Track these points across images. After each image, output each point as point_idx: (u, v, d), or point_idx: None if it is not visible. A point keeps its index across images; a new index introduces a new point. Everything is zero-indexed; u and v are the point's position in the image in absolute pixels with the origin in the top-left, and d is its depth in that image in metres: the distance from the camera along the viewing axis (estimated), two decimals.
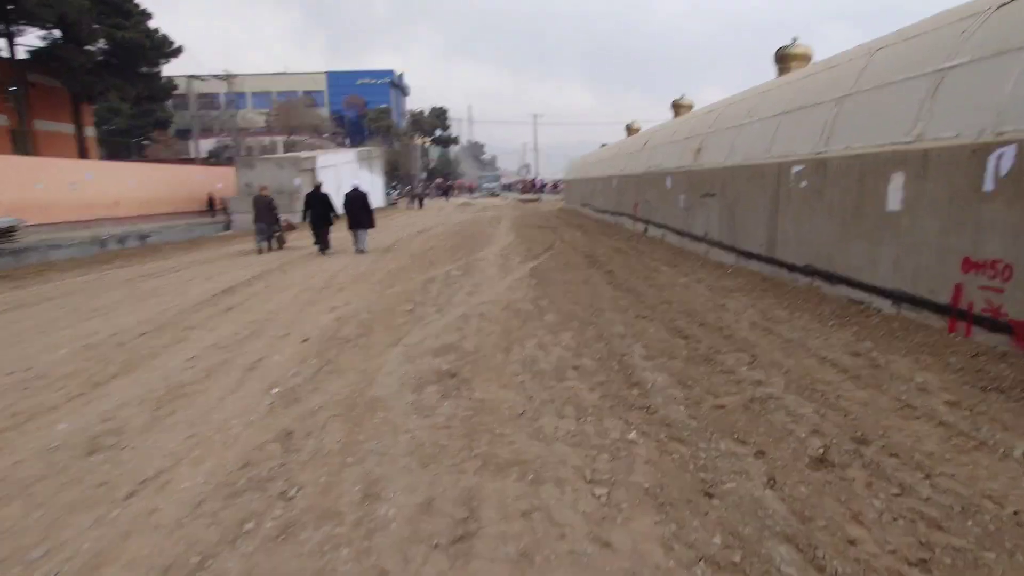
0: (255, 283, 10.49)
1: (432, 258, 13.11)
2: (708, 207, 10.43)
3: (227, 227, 28.85)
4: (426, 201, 45.59)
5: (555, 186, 67.21)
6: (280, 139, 51.64)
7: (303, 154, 33.57)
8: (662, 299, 7.76)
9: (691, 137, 12.25)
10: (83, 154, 36.24)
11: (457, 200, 50.62)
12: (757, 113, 9.01)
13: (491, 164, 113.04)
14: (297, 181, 30.45)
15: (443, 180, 70.84)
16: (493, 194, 61.05)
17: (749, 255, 8.76)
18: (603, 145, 30.93)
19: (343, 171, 33.72)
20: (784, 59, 11.01)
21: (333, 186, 31.91)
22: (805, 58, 10.85)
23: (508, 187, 68.89)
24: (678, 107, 18.31)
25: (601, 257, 12.11)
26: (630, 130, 25.72)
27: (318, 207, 13.91)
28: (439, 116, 75.92)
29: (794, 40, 11.25)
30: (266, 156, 39.16)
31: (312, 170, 31.32)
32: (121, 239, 19.29)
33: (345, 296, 8.84)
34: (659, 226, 13.95)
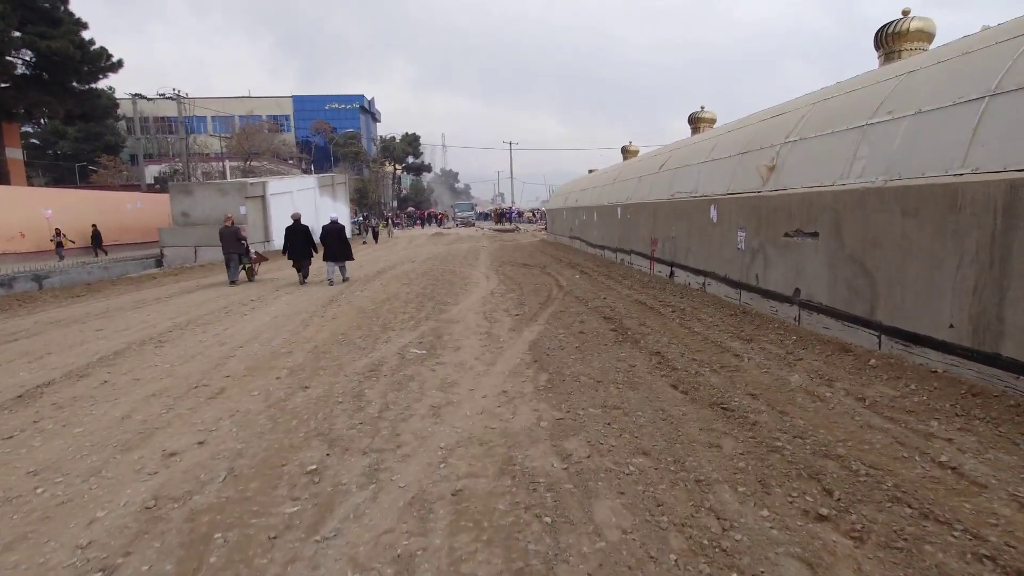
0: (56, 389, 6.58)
1: (387, 317, 9.32)
2: (798, 252, 6.92)
3: (159, 263, 24.62)
4: (395, 232, 41.83)
5: (534, 215, 64.27)
6: (236, 164, 47.46)
7: (251, 180, 29.57)
8: (792, 431, 4.14)
9: (748, 152, 8.83)
10: (3, 179, 31.67)
11: (429, 230, 46.80)
12: (909, 100, 5.54)
13: (465, 193, 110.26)
14: (243, 209, 26.39)
15: (416, 208, 67.26)
16: (467, 223, 57.54)
17: (913, 339, 5.19)
18: (591, 171, 27.76)
19: (301, 199, 29.79)
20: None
21: (290, 214, 28.07)
22: None
23: (485, 216, 65.59)
24: (698, 121, 15.10)
25: (628, 320, 8.47)
26: (627, 152, 22.56)
27: (298, 239, 13.35)
28: (411, 143, 72.81)
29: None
30: (207, 181, 35.06)
31: (262, 197, 27.34)
32: (7, 282, 14.94)
33: (210, 415, 4.98)
34: (696, 272, 10.42)
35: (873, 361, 5.49)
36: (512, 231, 43.26)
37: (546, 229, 43.40)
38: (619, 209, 15.79)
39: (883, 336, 5.56)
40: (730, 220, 8.87)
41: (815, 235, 6.61)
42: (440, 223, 59.59)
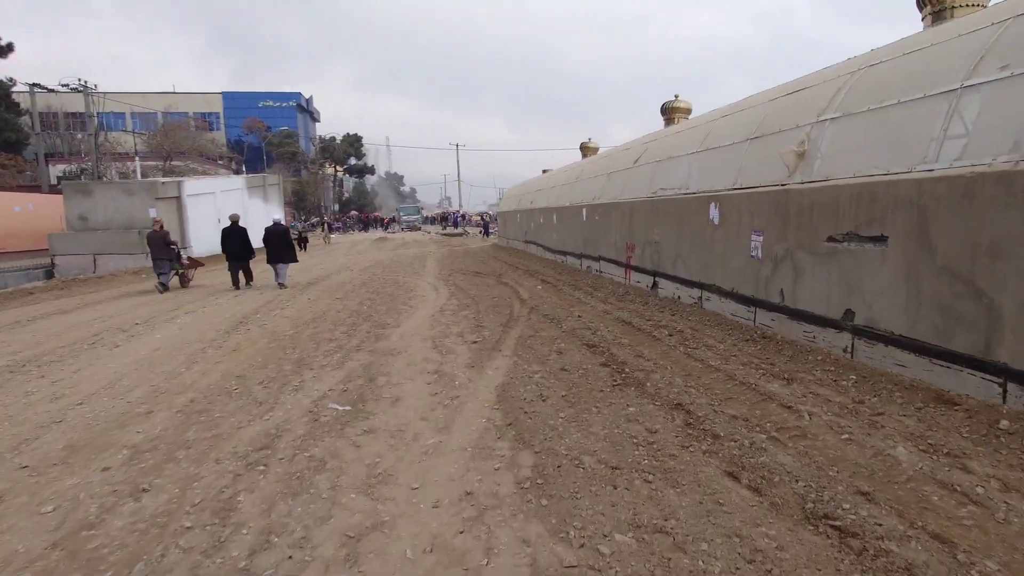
0: None
1: (307, 347, 7.11)
2: (852, 261, 5.23)
3: (49, 274, 21.10)
4: (334, 237, 38.94)
5: (483, 219, 62.26)
6: (154, 164, 43.15)
7: (164, 179, 26.21)
8: None
9: (761, 136, 7.15)
10: None
11: (373, 235, 43.86)
12: None
13: (411, 196, 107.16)
14: (153, 212, 23.09)
15: (359, 212, 63.99)
16: (413, 227, 54.93)
17: None
18: (545, 171, 26.06)
19: (225, 200, 26.59)
20: None
21: (212, 218, 24.90)
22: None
23: (432, 220, 63.08)
24: (672, 111, 13.50)
25: (618, 349, 6.62)
26: (587, 149, 20.93)
27: (234, 242, 13.01)
28: (353, 144, 69.41)
29: None
30: (109, 181, 31.27)
31: (176, 198, 24.09)
32: None
33: None
34: (689, 284, 8.69)
35: (1005, 423, 3.79)
36: (460, 235, 41.14)
37: (484, 233, 41.60)
38: (584, 210, 14.02)
39: (1010, 384, 3.87)
40: (739, 221, 7.17)
41: (880, 239, 4.92)
42: (386, 227, 56.67)
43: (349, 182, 77.23)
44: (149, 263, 15.12)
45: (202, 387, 5.64)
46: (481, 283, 13.12)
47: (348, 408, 4.86)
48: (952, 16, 6.33)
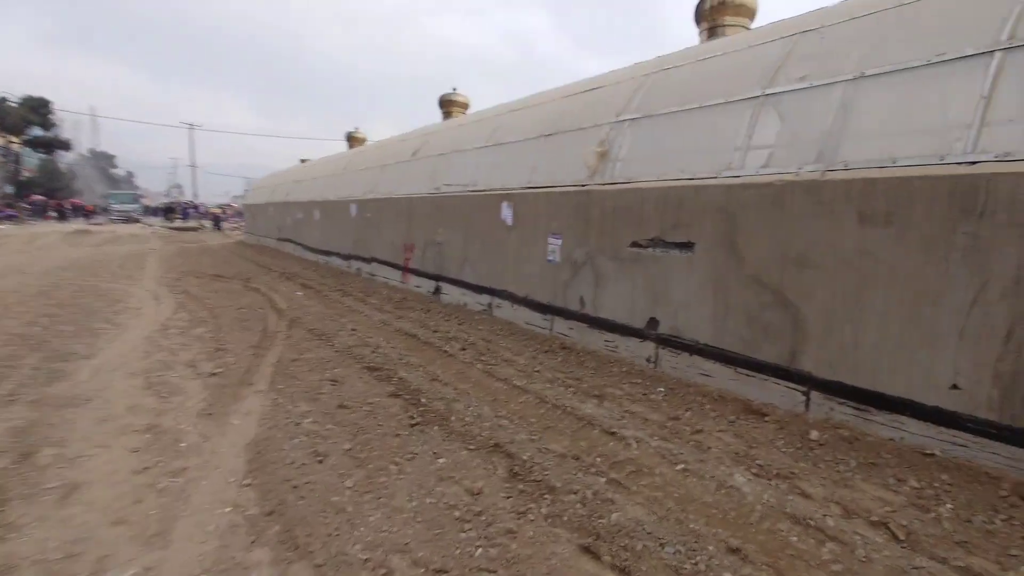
0: None
1: None
2: (657, 268, 5.03)
3: None
4: (3, 228, 29.36)
5: (224, 212, 54.32)
6: None
7: None
8: None
9: (556, 134, 6.74)
10: None
11: (69, 227, 34.17)
12: (838, 60, 3.97)
13: (127, 181, 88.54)
14: None
15: (48, 198, 49.90)
16: (130, 219, 44.80)
17: (876, 401, 3.57)
18: (304, 160, 23.35)
19: None
20: None
21: None
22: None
23: (157, 211, 52.55)
24: (450, 104, 12.70)
25: (407, 371, 5.52)
26: (354, 140, 19.07)
27: None
28: (37, 109, 54.04)
29: None
30: None
31: None
32: None
33: None
34: (478, 289, 7.99)
35: (815, 434, 3.76)
36: (196, 229, 34.86)
37: (215, 226, 36.43)
38: (354, 206, 12.46)
39: (813, 392, 3.89)
40: (535, 223, 6.66)
41: (687, 246, 4.76)
42: (88, 216, 45.16)
43: (31, 159, 59.97)
44: None
45: None
46: (223, 289, 10.61)
47: None
48: (724, 33, 6.81)
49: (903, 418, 3.50)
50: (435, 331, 7.23)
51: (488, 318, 7.71)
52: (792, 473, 3.35)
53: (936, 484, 3.23)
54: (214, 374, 5.34)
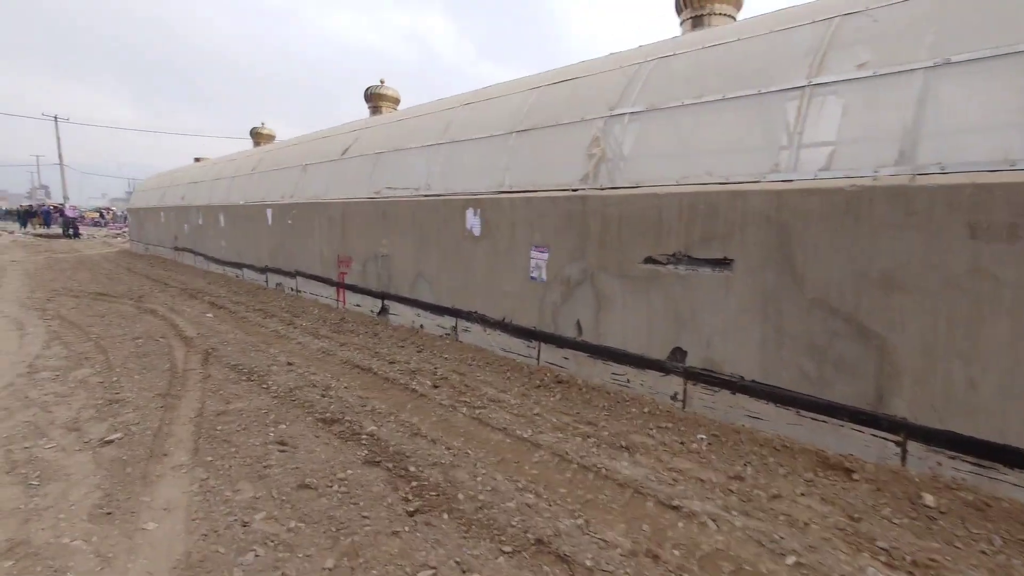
0: None
1: None
2: (682, 289, 4.26)
3: None
4: None
5: (102, 216, 48.36)
6: None
7: None
8: None
9: (534, 129, 5.78)
10: None
11: None
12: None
13: None
14: None
15: None
16: None
17: (1002, 455, 2.97)
18: (198, 159, 20.76)
19: None
20: None
21: None
22: None
23: (15, 216, 45.77)
24: (379, 99, 11.30)
25: (370, 419, 4.42)
26: (260, 136, 16.97)
27: None
28: None
29: None
30: None
31: None
32: None
33: None
34: (440, 311, 6.88)
35: (930, 499, 3.09)
36: (69, 237, 30.44)
37: (72, 233, 32.36)
38: (271, 211, 10.80)
39: (911, 442, 3.24)
40: (512, 234, 5.68)
41: (723, 263, 3.99)
42: None
43: None
44: None
45: None
46: (110, 312, 8.72)
47: None
48: (709, 24, 6.17)
49: None
50: (392, 362, 6.07)
51: (453, 344, 6.63)
52: (933, 560, 2.63)
53: None
54: (109, 441, 3.94)
